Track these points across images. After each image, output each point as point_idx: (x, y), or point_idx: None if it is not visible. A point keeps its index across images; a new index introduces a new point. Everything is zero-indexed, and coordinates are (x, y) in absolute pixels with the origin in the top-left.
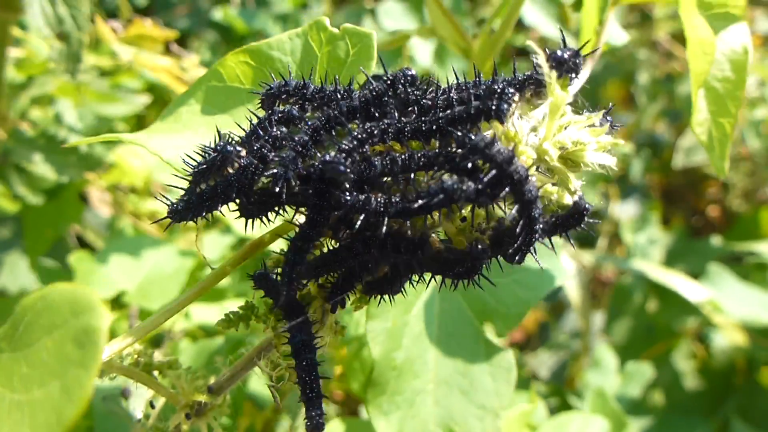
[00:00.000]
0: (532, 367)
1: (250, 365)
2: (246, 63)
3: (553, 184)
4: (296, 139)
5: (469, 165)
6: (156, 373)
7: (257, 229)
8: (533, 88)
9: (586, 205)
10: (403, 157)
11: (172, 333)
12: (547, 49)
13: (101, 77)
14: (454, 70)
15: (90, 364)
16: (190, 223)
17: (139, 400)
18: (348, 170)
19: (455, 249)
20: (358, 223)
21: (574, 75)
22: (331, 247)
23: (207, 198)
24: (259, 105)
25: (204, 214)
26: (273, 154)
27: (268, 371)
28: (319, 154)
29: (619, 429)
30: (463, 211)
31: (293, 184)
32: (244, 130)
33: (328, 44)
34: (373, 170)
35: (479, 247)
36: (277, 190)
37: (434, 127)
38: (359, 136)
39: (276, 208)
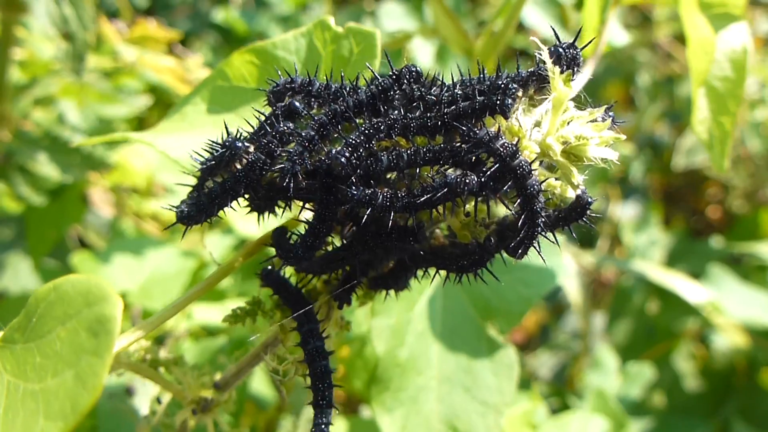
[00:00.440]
0: (532, 367)
1: (256, 360)
2: (251, 62)
3: (556, 179)
4: (303, 134)
5: (473, 159)
6: (162, 369)
7: (260, 229)
8: (536, 84)
9: (589, 199)
10: (408, 152)
11: (175, 332)
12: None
13: (103, 78)
14: (458, 67)
15: (104, 353)
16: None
17: (144, 398)
18: (354, 164)
19: (460, 243)
20: (365, 217)
21: (576, 69)
22: (337, 244)
23: (216, 196)
24: (266, 103)
25: (216, 213)
26: (280, 149)
27: (274, 365)
28: (325, 149)
29: (619, 429)
30: (467, 206)
31: (300, 178)
32: (252, 126)
33: (332, 43)
34: (380, 165)
35: (483, 241)
36: (285, 184)
37: (439, 122)
38: (366, 131)
39: (283, 203)
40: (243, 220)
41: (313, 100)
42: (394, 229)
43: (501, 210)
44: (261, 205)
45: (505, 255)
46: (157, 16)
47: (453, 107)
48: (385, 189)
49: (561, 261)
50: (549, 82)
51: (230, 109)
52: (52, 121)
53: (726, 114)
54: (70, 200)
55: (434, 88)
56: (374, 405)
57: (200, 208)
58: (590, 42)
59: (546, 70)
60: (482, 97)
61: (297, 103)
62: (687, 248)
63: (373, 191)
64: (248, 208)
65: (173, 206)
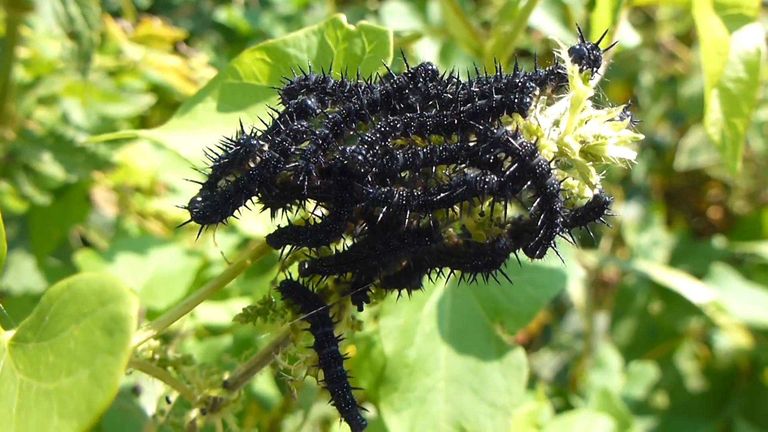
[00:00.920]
0: (534, 367)
1: (266, 360)
2: (262, 60)
3: (573, 178)
4: (317, 132)
5: (491, 158)
6: (170, 368)
7: (266, 228)
8: (554, 82)
9: (607, 198)
10: (424, 150)
11: (181, 332)
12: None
13: (106, 77)
14: (474, 66)
15: (119, 352)
16: (195, 222)
17: (150, 397)
18: (370, 161)
19: (474, 242)
20: (381, 215)
21: (595, 70)
22: (350, 243)
23: (230, 195)
24: (279, 101)
25: (232, 213)
26: (294, 147)
27: (285, 365)
28: (340, 148)
29: (623, 429)
30: (483, 205)
31: (314, 176)
32: (266, 124)
33: (344, 41)
34: (395, 163)
35: (500, 240)
36: (299, 182)
37: (456, 120)
38: (382, 129)
39: (297, 201)
40: (247, 219)
41: (327, 97)
42: (409, 228)
43: (513, 209)
44: (274, 204)
45: (515, 255)
46: (159, 16)
47: (470, 105)
48: (401, 187)
49: (571, 262)
50: (567, 81)
51: (241, 107)
52: (56, 120)
53: (739, 116)
54: (74, 199)
55: (450, 86)
56: (382, 406)
57: (215, 209)
58: (611, 43)
59: (564, 69)
60: (500, 96)
61: (310, 102)
62: (689, 248)
63: (389, 189)
64: (257, 207)
65: (185, 206)
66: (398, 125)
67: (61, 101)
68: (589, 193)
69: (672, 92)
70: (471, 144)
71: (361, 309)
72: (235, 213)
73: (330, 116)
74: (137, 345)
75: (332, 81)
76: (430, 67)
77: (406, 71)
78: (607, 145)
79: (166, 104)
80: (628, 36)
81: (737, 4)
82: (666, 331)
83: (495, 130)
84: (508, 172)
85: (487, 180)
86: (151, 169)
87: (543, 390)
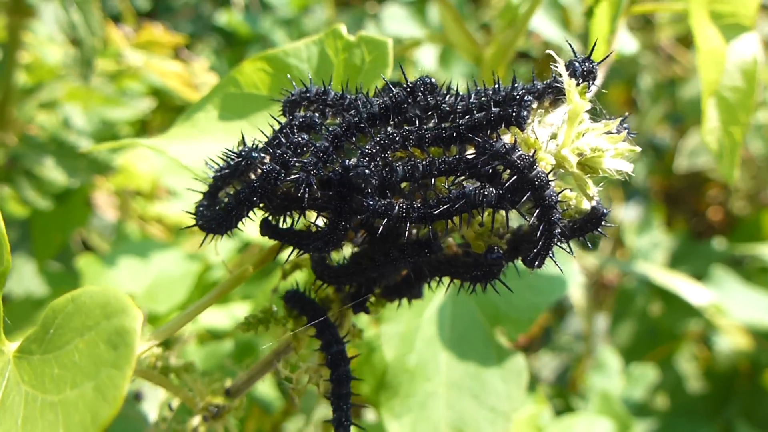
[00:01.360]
0: (534, 369)
1: (267, 368)
2: (263, 70)
3: (570, 190)
4: (318, 145)
5: (490, 171)
6: (172, 376)
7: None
8: (552, 95)
9: (604, 210)
10: (424, 163)
11: (182, 337)
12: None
13: (107, 81)
14: (473, 77)
15: (124, 365)
16: (197, 229)
17: (152, 403)
18: (373, 173)
19: (474, 253)
20: (381, 227)
21: (591, 82)
22: (350, 254)
23: (232, 208)
24: (280, 112)
25: (236, 225)
26: (295, 159)
27: (287, 373)
28: (339, 160)
29: (624, 431)
30: (482, 217)
31: (315, 188)
32: (266, 135)
33: (344, 52)
34: (395, 176)
35: (498, 251)
36: (299, 194)
37: (455, 133)
38: (382, 142)
39: (297, 212)
40: (248, 224)
41: (327, 109)
42: (409, 239)
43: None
44: (275, 213)
45: (513, 264)
46: (159, 20)
47: (468, 118)
48: (401, 199)
49: (571, 268)
50: (564, 94)
51: (242, 117)
52: (58, 125)
53: (736, 124)
54: (76, 204)
55: (448, 98)
56: (383, 411)
57: (219, 222)
58: (609, 50)
59: (561, 83)
60: (498, 109)
61: (316, 119)
62: (689, 250)
63: (389, 201)
64: (258, 215)
65: (192, 213)
66: (397, 138)
67: (63, 106)
68: (587, 205)
69: (671, 94)
70: (469, 156)
71: (367, 311)
72: (239, 224)
73: (330, 129)
74: (141, 354)
75: (333, 93)
76: (428, 81)
77: (405, 85)
78: (604, 158)
79: (167, 108)
80: (626, 43)
81: (734, 13)
82: (666, 332)
83: (493, 143)
84: (507, 185)
85: (485, 192)
86: (152, 173)
87: (543, 392)
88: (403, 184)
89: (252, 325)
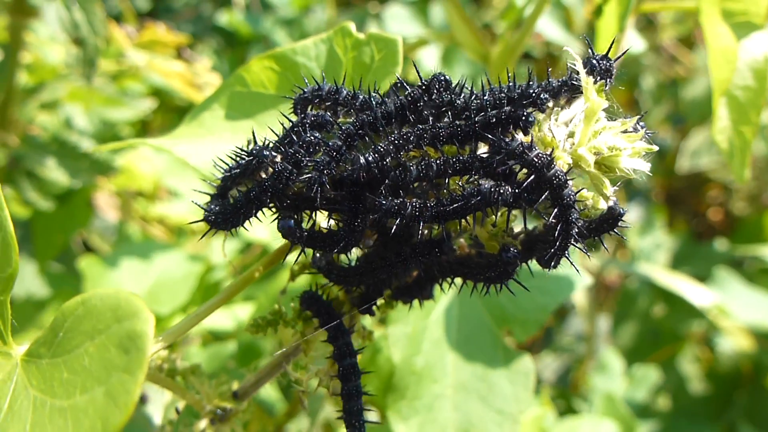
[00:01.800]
0: (536, 370)
1: (275, 370)
2: (271, 68)
3: (587, 190)
4: (330, 144)
5: (506, 170)
6: (178, 378)
7: (269, 235)
8: (568, 93)
9: (621, 210)
10: (438, 162)
11: (187, 338)
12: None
13: (109, 81)
14: (479, 79)
15: (136, 370)
16: (197, 227)
17: (157, 406)
18: (382, 170)
19: (487, 254)
20: (394, 227)
21: (609, 81)
22: (361, 254)
23: (242, 206)
24: (291, 110)
25: (242, 223)
26: (307, 158)
27: (297, 376)
28: (352, 159)
29: None
30: (495, 216)
31: (327, 188)
32: (276, 134)
33: (353, 50)
34: (409, 175)
35: (513, 251)
36: (312, 194)
37: (470, 132)
38: (396, 141)
39: (308, 212)
40: (251, 224)
41: (339, 108)
42: (421, 239)
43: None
44: (286, 213)
45: (525, 265)
46: (159, 20)
47: (483, 116)
48: (414, 199)
49: (579, 269)
50: (580, 92)
51: (249, 116)
52: (59, 125)
53: (747, 123)
54: (77, 205)
55: (464, 96)
56: (390, 413)
57: (226, 217)
58: (618, 50)
59: (578, 80)
60: (513, 107)
61: (328, 117)
62: (691, 251)
63: (402, 201)
64: (264, 215)
65: (199, 203)
66: (411, 137)
67: (64, 106)
68: (603, 205)
69: (673, 95)
70: (484, 155)
71: (372, 314)
72: (246, 224)
73: (343, 128)
74: (149, 357)
75: (345, 92)
76: (443, 78)
77: (420, 83)
78: (621, 157)
79: (168, 108)
80: (634, 42)
81: (745, 11)
82: (668, 334)
83: (509, 142)
84: (524, 184)
85: (501, 191)
86: (154, 173)
87: (547, 393)
88: (418, 184)
89: (261, 326)
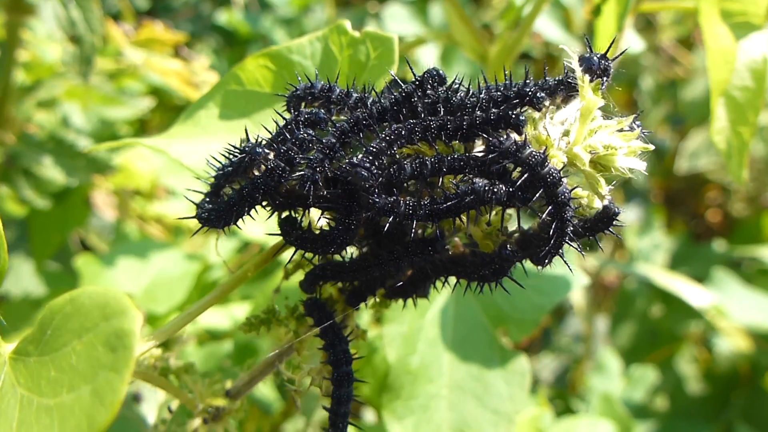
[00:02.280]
0: (534, 370)
1: (268, 369)
2: (266, 67)
3: (582, 189)
4: (324, 141)
5: (500, 168)
6: (171, 377)
7: (265, 232)
8: (564, 92)
9: (616, 209)
10: (432, 160)
11: (182, 337)
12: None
13: (107, 80)
14: (476, 78)
15: (122, 368)
16: (194, 225)
17: (151, 404)
18: (373, 174)
19: (482, 252)
20: (387, 225)
21: (606, 80)
22: (356, 252)
23: (234, 203)
24: (284, 107)
25: (235, 222)
26: (300, 156)
27: (289, 375)
28: (346, 157)
29: None
30: (489, 215)
31: (320, 185)
32: (270, 132)
33: (348, 48)
34: (403, 173)
35: (508, 249)
36: (305, 191)
37: (462, 128)
38: (387, 138)
39: (301, 210)
40: (248, 223)
41: (332, 106)
42: (413, 239)
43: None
44: (279, 211)
45: (520, 264)
46: (158, 18)
47: (478, 114)
48: (408, 197)
49: (576, 269)
50: (576, 91)
51: (244, 114)
52: (56, 123)
53: (745, 124)
54: (74, 203)
55: (459, 93)
56: (385, 413)
57: (219, 215)
58: (617, 49)
59: (574, 79)
60: (509, 105)
61: (322, 114)
62: (689, 252)
63: (396, 199)
64: (259, 214)
65: (194, 201)
66: (403, 133)
67: (61, 105)
68: (598, 204)
69: (672, 96)
70: (478, 153)
71: (357, 307)
72: (241, 222)
73: (337, 125)
74: (140, 355)
75: (338, 90)
76: (436, 73)
77: (413, 79)
78: (617, 156)
79: (166, 107)
80: (633, 42)
81: (744, 11)
82: (666, 334)
83: (503, 140)
84: (518, 182)
85: (495, 190)
86: (152, 172)
87: (544, 394)
88: (412, 182)
89: (254, 325)
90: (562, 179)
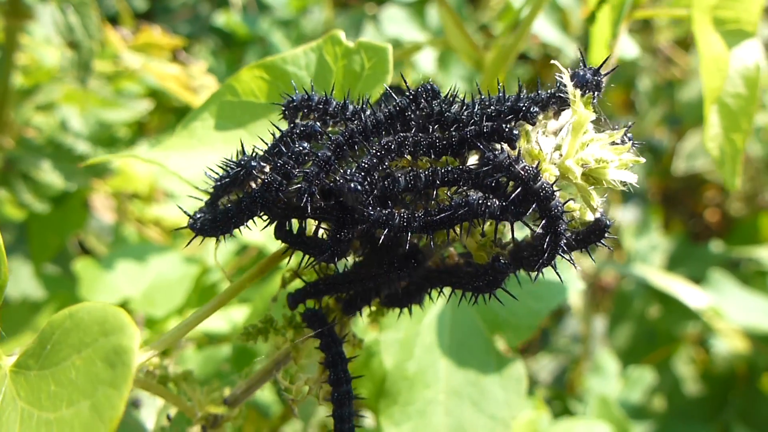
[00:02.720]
0: (532, 371)
1: (266, 377)
2: (261, 78)
3: (574, 201)
4: (319, 154)
5: (493, 182)
6: (170, 384)
7: (263, 237)
8: (556, 105)
9: (608, 222)
10: (426, 173)
11: (180, 342)
12: (570, 69)
13: (105, 83)
14: (474, 83)
15: (121, 384)
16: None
17: (150, 411)
18: (365, 188)
19: (476, 263)
20: (382, 237)
21: (597, 94)
22: (352, 262)
23: (232, 215)
24: (280, 117)
25: (231, 231)
26: (297, 170)
27: (287, 384)
28: (341, 170)
29: None
30: (482, 227)
31: (317, 198)
32: (266, 143)
33: (343, 58)
34: (397, 186)
35: (501, 261)
36: (302, 204)
37: (454, 144)
38: (378, 153)
39: (298, 221)
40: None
41: (328, 118)
42: (399, 253)
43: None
44: (276, 222)
45: (517, 273)
46: (156, 20)
47: (472, 128)
48: (402, 209)
49: (572, 275)
50: (568, 105)
51: (240, 125)
52: (55, 127)
53: (738, 131)
54: (73, 207)
55: (454, 105)
56: (382, 418)
57: (215, 225)
58: (611, 54)
59: (566, 93)
60: (501, 120)
61: (318, 127)
62: (687, 252)
63: (390, 211)
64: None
65: (186, 212)
66: (393, 146)
67: (60, 108)
68: (590, 216)
69: (669, 96)
70: (472, 167)
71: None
72: (235, 231)
73: (332, 138)
74: (140, 365)
75: (334, 102)
76: (430, 87)
77: (407, 93)
78: (609, 169)
79: (164, 109)
80: (627, 48)
81: (736, 19)
82: (664, 335)
83: (497, 155)
84: (512, 196)
85: (489, 203)
86: (150, 175)
87: (541, 395)
88: (406, 195)
89: (252, 335)
90: (555, 193)
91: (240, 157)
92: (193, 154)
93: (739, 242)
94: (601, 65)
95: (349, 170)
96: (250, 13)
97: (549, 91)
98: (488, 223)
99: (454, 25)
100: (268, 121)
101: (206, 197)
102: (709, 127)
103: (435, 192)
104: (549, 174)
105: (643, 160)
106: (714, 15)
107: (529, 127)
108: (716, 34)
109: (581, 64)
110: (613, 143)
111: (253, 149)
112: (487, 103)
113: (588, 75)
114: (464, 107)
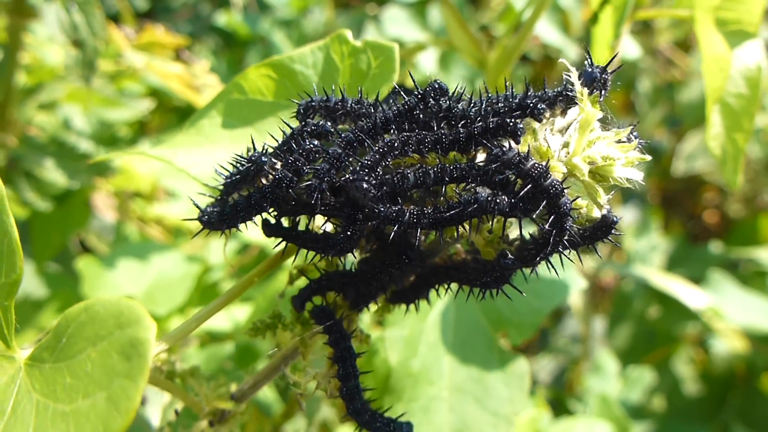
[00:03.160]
0: (532, 371)
1: (273, 373)
2: (268, 76)
3: (581, 198)
4: (330, 151)
5: (502, 179)
6: (177, 380)
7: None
8: (563, 103)
9: (614, 218)
10: (435, 169)
11: (185, 339)
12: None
13: (108, 82)
14: (474, 83)
15: (137, 376)
16: (194, 227)
17: (156, 407)
18: (373, 186)
19: (483, 260)
20: (392, 233)
21: (604, 92)
22: (360, 259)
23: (241, 209)
24: (292, 116)
25: (238, 225)
26: (307, 166)
27: (295, 379)
28: (351, 167)
29: None
30: (490, 223)
31: (327, 194)
32: (276, 140)
33: (350, 57)
34: (406, 182)
35: (508, 258)
36: (312, 201)
37: (461, 141)
38: (381, 150)
39: (307, 217)
40: (248, 225)
41: (339, 116)
42: (407, 249)
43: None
44: (286, 218)
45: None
46: (157, 20)
47: (479, 125)
48: (411, 206)
49: (574, 273)
50: (575, 102)
51: (247, 123)
52: (57, 126)
53: (740, 131)
54: (75, 205)
55: (461, 103)
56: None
57: (222, 218)
58: (614, 55)
59: (573, 91)
60: (508, 117)
61: (329, 127)
62: (686, 253)
63: (400, 208)
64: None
65: (198, 205)
66: (396, 144)
67: (63, 107)
68: (597, 213)
69: (669, 98)
70: (481, 164)
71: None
72: (242, 226)
73: (342, 135)
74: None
75: (349, 101)
76: (438, 85)
77: (416, 92)
78: (615, 166)
79: (166, 108)
80: (629, 49)
81: (738, 20)
82: (663, 335)
83: (506, 152)
84: (521, 193)
85: (498, 200)
86: (152, 174)
87: (542, 395)
88: (415, 191)
89: (260, 330)
90: (564, 190)
91: (250, 153)
92: (201, 151)
93: (738, 243)
94: (608, 64)
95: (356, 167)
96: (251, 13)
97: (556, 89)
98: (495, 219)
99: (458, 25)
100: (276, 119)
101: (215, 194)
102: (711, 126)
103: (444, 189)
104: (557, 171)
105: (649, 158)
106: (716, 16)
107: (536, 125)
108: (718, 35)
109: (587, 63)
110: (619, 141)
111: (264, 146)
112: (494, 101)
113: (596, 73)
114: (472, 104)
